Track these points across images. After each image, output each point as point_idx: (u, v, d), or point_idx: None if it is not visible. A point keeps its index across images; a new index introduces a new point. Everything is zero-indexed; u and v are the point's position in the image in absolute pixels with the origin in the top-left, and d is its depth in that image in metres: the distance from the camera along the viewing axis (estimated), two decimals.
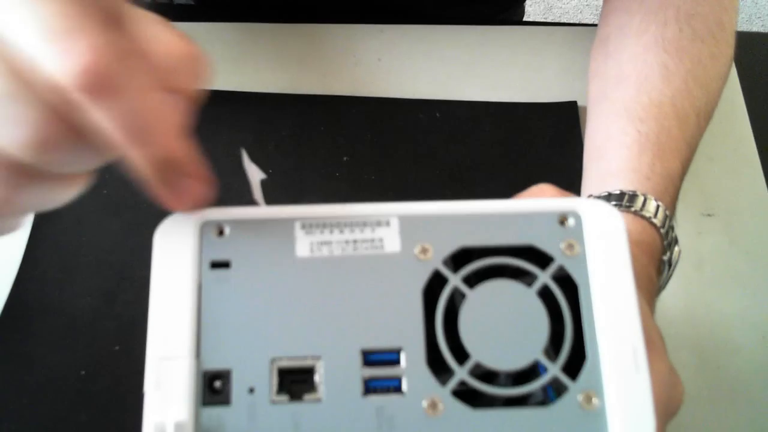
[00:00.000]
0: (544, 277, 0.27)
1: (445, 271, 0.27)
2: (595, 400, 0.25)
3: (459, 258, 0.27)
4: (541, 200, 0.29)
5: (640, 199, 0.39)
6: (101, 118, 0.22)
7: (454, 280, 0.27)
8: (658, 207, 0.39)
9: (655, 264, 0.38)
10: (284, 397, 0.25)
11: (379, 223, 0.27)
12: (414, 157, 0.53)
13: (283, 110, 0.55)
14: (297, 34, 0.60)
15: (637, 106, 0.44)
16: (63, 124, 0.23)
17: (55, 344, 0.46)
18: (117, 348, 0.45)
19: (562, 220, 0.27)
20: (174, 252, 0.26)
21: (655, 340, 0.30)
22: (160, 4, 0.65)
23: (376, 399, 0.25)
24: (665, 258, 0.40)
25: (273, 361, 0.25)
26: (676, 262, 0.40)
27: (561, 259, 0.27)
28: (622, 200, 0.39)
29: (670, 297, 0.47)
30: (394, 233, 0.27)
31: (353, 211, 0.27)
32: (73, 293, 0.47)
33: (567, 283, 0.27)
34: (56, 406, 0.44)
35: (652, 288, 0.38)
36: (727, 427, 0.44)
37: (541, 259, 0.27)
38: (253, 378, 0.25)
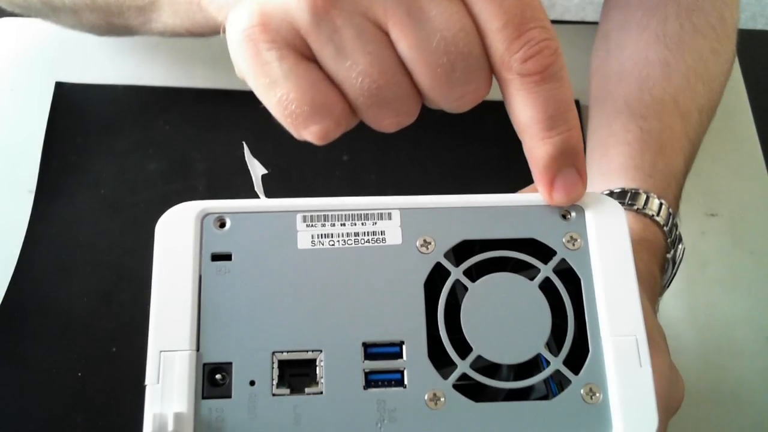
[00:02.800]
0: (546, 271, 0.27)
1: (447, 264, 0.27)
2: (597, 394, 0.26)
3: (461, 251, 0.27)
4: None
5: (643, 197, 0.39)
6: (526, 99, 0.25)
7: (456, 273, 0.27)
8: (660, 205, 0.39)
9: (658, 262, 0.39)
10: (285, 390, 0.25)
11: (380, 216, 0.27)
12: (414, 156, 0.53)
13: None
14: None
15: (640, 104, 0.44)
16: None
17: (51, 345, 0.46)
18: (114, 349, 0.45)
19: (564, 213, 0.28)
20: (175, 244, 0.27)
21: (656, 338, 0.31)
22: None
23: (377, 392, 0.25)
24: (669, 256, 0.39)
25: (274, 353, 0.26)
26: (680, 261, 0.40)
27: (563, 252, 0.27)
28: (625, 198, 0.39)
29: (673, 297, 0.47)
30: (395, 226, 0.27)
31: (355, 203, 0.28)
32: (70, 293, 0.47)
33: (569, 276, 0.27)
34: (52, 407, 0.44)
35: (655, 286, 0.38)
36: (730, 428, 0.44)
37: (544, 252, 0.27)
38: (254, 371, 0.25)
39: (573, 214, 0.28)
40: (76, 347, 0.45)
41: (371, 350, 0.26)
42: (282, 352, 0.26)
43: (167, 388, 0.25)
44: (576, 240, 0.27)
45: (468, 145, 0.54)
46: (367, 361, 0.26)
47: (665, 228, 0.39)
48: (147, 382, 0.25)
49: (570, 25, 0.61)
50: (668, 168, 0.41)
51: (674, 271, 0.40)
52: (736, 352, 0.46)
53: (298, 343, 0.26)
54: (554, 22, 0.69)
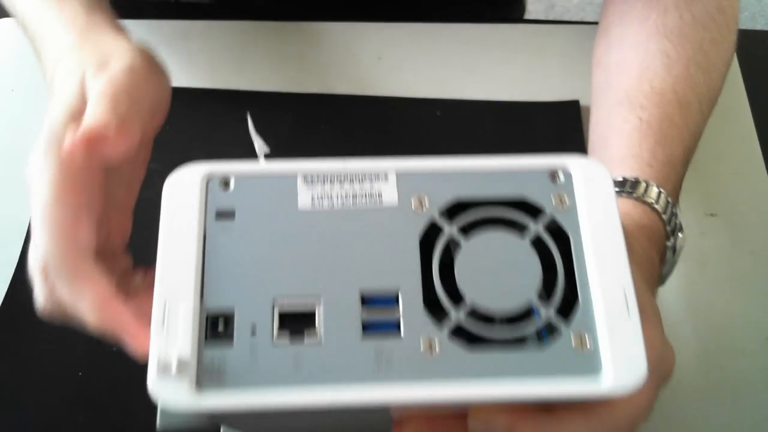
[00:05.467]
0: (537, 227, 0.28)
1: (441, 222, 0.28)
2: (588, 342, 0.27)
3: (454, 210, 0.29)
4: (532, 157, 0.31)
5: (642, 185, 0.40)
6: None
7: (450, 230, 0.28)
8: (660, 193, 0.40)
9: (656, 248, 0.39)
10: (285, 338, 0.26)
11: (377, 177, 0.29)
12: (414, 156, 0.53)
13: (283, 109, 0.56)
14: (297, 32, 0.60)
15: (639, 95, 0.44)
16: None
17: (52, 345, 0.46)
18: (115, 349, 0.45)
19: (553, 175, 0.29)
20: (181, 202, 0.28)
21: (649, 312, 0.32)
22: (159, 2, 0.65)
23: (374, 340, 0.26)
24: (669, 244, 0.40)
25: (274, 303, 0.27)
26: (681, 249, 0.41)
27: (552, 211, 0.29)
28: (624, 187, 0.40)
29: (673, 297, 0.47)
30: (391, 187, 0.29)
31: (353, 166, 0.29)
32: None
33: (558, 235, 0.28)
34: (54, 407, 0.44)
35: (653, 271, 0.39)
36: (730, 427, 0.44)
37: (533, 211, 0.29)
38: (255, 319, 0.27)
39: (561, 175, 0.29)
40: (76, 347, 0.46)
41: (369, 300, 0.27)
42: (282, 301, 0.27)
43: (171, 333, 0.26)
44: (564, 200, 0.29)
45: (468, 145, 0.54)
46: (364, 311, 0.27)
47: (664, 215, 0.40)
48: (152, 328, 0.26)
49: (570, 25, 0.61)
50: (667, 157, 0.42)
51: (675, 259, 0.41)
52: (736, 352, 0.46)
53: (298, 293, 0.27)
54: (554, 22, 0.69)
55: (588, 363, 0.26)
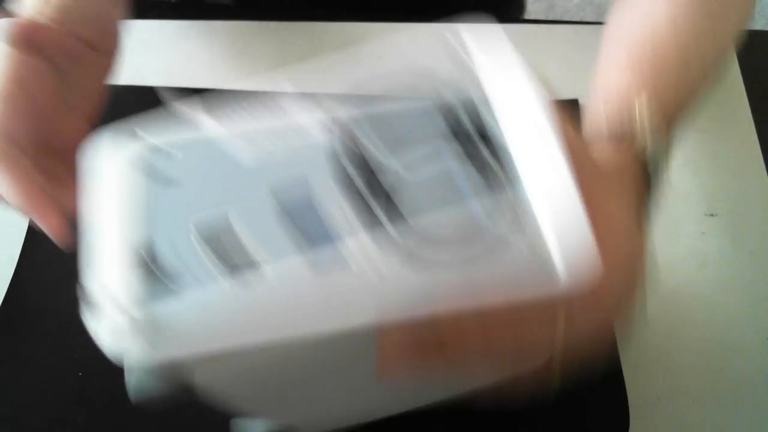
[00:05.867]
0: (449, 100, 0.28)
1: (368, 145, 0.28)
2: (537, 245, 0.26)
3: (379, 131, 0.29)
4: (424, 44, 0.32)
5: (629, 137, 0.39)
6: None
7: (378, 153, 0.28)
8: (645, 147, 0.39)
9: (637, 192, 0.38)
10: (228, 276, 0.26)
11: (296, 109, 0.30)
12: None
13: None
14: (297, 32, 0.60)
15: (635, 29, 0.44)
16: None
17: (52, 345, 0.46)
18: None
19: (450, 52, 0.30)
20: (106, 167, 0.28)
21: (605, 176, 0.32)
22: (159, 3, 0.65)
23: (324, 275, 0.26)
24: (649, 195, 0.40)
25: (209, 237, 0.26)
26: (661, 192, 0.40)
27: (457, 83, 0.29)
28: (611, 140, 0.40)
29: (673, 297, 0.47)
30: (313, 117, 0.30)
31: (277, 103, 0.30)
32: (71, 294, 0.47)
33: (486, 136, 0.28)
34: (53, 407, 0.44)
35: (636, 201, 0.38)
36: (730, 427, 0.44)
37: (453, 118, 0.29)
38: (197, 262, 0.26)
39: (457, 47, 0.30)
40: (76, 347, 0.46)
41: (313, 237, 0.26)
42: (221, 238, 0.26)
43: (116, 296, 0.25)
44: (465, 68, 0.29)
45: None
46: (309, 251, 0.26)
47: (650, 168, 0.39)
48: (97, 295, 0.26)
49: (570, 25, 0.61)
50: (657, 59, 0.42)
51: (654, 197, 0.40)
52: (736, 352, 0.46)
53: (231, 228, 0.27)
54: (554, 22, 0.69)
55: (541, 264, 0.26)
